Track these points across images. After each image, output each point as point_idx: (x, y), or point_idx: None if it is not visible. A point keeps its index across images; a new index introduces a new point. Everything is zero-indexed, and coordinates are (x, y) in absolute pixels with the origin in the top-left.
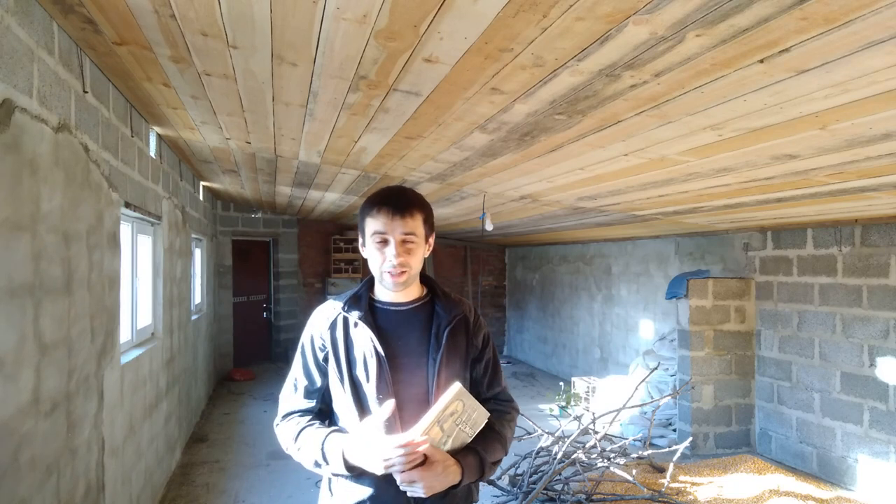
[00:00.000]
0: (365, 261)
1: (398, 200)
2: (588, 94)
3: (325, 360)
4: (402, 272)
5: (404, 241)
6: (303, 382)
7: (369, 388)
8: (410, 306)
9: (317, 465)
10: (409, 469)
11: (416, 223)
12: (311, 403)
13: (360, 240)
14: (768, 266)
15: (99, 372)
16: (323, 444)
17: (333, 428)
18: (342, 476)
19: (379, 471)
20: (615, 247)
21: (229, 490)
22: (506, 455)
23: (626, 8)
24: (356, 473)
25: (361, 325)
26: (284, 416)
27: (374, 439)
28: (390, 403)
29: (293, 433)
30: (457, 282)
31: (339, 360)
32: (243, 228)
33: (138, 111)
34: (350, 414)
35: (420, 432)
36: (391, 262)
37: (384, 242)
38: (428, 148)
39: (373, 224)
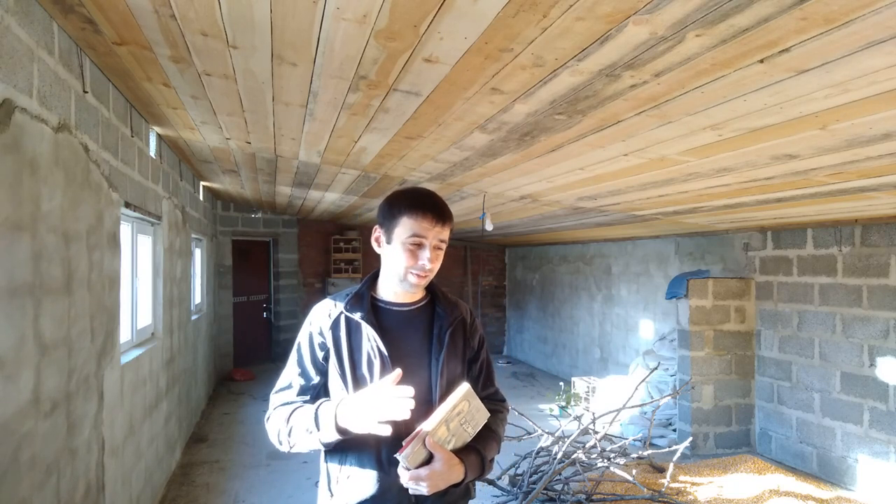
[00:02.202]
0: (365, 261)
1: (441, 208)
2: (588, 94)
3: (326, 358)
4: (426, 276)
5: (437, 247)
6: (298, 380)
7: (393, 373)
8: (413, 307)
9: (308, 431)
10: (415, 468)
11: (448, 232)
12: (305, 398)
13: (382, 236)
14: (768, 266)
15: (99, 372)
16: (317, 409)
17: (326, 399)
18: (331, 444)
19: (370, 426)
20: (615, 247)
21: (229, 490)
22: (498, 453)
23: (626, 8)
24: (344, 437)
25: (365, 324)
26: (278, 407)
27: (375, 391)
28: (397, 372)
29: (286, 413)
30: (457, 282)
31: (342, 359)
32: (243, 228)
33: (138, 111)
34: None
35: (427, 431)
36: (424, 265)
37: (419, 245)
38: (428, 148)
39: (412, 226)
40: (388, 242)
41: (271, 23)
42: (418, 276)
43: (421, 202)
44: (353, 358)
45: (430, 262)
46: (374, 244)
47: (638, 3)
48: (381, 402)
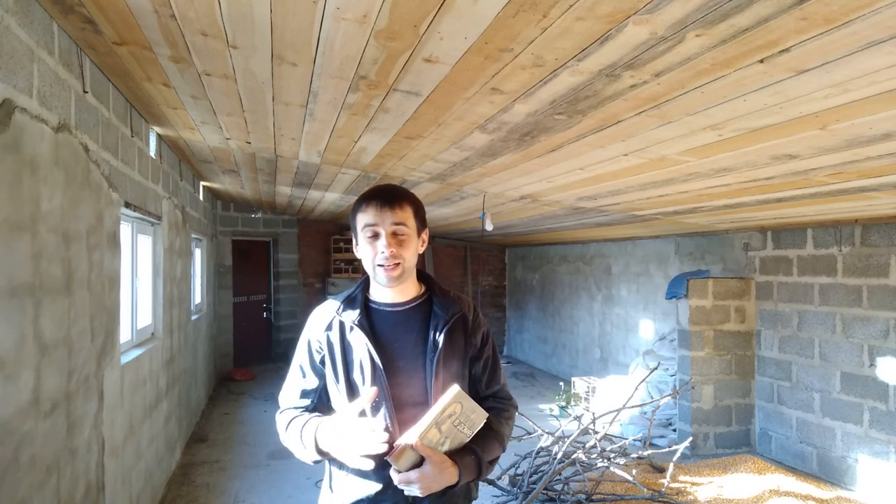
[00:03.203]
0: None
1: (387, 194)
2: (588, 94)
3: (322, 361)
4: (396, 265)
5: (395, 233)
6: (300, 383)
7: (365, 393)
8: (407, 307)
9: (298, 447)
10: (407, 470)
11: (407, 214)
12: (307, 402)
13: (354, 240)
14: (768, 266)
15: (99, 372)
16: (302, 428)
17: (317, 414)
18: (318, 461)
19: (352, 462)
20: (615, 247)
21: (229, 490)
22: (504, 452)
23: (626, 8)
24: (328, 458)
25: (356, 328)
26: (282, 411)
27: (347, 427)
28: (371, 391)
29: (285, 422)
30: (457, 282)
31: (336, 363)
32: (243, 228)
33: (138, 111)
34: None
35: (417, 435)
36: (383, 253)
37: (375, 236)
38: (428, 148)
39: (363, 218)
40: (357, 244)
41: (271, 23)
42: (384, 267)
43: (367, 193)
44: (346, 362)
45: (388, 248)
46: (354, 250)
47: (638, 3)
48: (355, 438)
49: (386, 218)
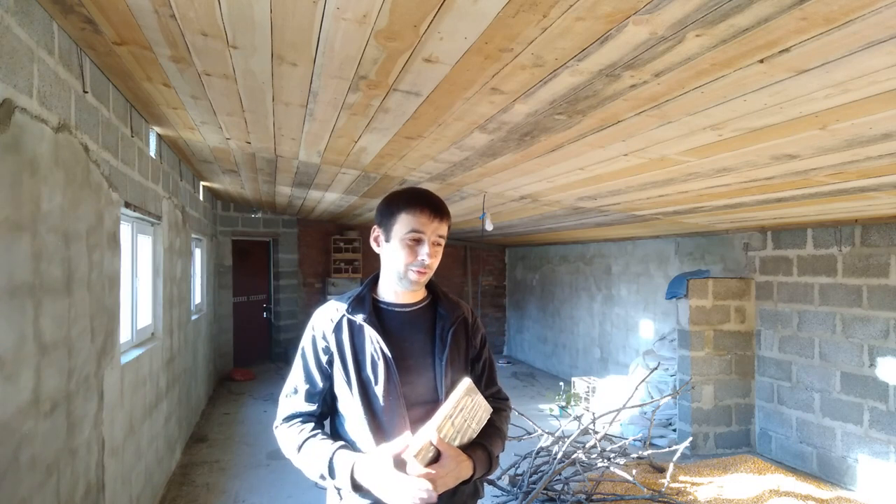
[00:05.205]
0: (365, 261)
1: (436, 204)
2: (588, 94)
3: (329, 362)
4: (426, 272)
5: (435, 243)
6: (304, 386)
7: (378, 390)
8: (415, 308)
9: (322, 477)
10: (424, 466)
11: (446, 228)
12: (313, 407)
13: (381, 235)
14: (768, 266)
15: (99, 372)
16: (332, 459)
17: (342, 443)
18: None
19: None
20: (615, 247)
21: (229, 490)
22: (503, 451)
23: (626, 8)
24: (361, 493)
25: (367, 327)
26: (285, 420)
27: (389, 471)
28: (406, 437)
29: (296, 442)
30: (457, 282)
31: (346, 362)
32: (243, 228)
33: (138, 111)
34: (358, 416)
35: (434, 429)
36: (423, 260)
37: (418, 241)
38: (428, 148)
39: (410, 221)
40: (387, 241)
41: (271, 23)
42: (418, 272)
43: (418, 198)
44: (357, 360)
45: (429, 257)
46: (372, 244)
47: (638, 3)
48: (397, 493)
49: (434, 228)
